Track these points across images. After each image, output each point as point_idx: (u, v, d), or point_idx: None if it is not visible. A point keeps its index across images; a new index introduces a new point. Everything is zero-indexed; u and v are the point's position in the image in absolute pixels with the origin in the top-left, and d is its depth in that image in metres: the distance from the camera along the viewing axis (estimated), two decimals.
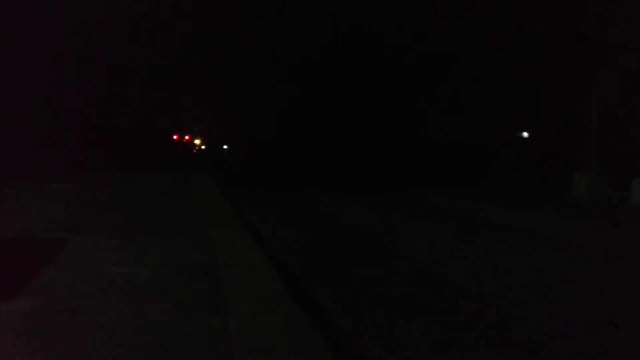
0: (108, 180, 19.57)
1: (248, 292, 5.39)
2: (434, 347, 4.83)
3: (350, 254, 9.05)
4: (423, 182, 23.63)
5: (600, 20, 19.18)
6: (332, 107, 37.70)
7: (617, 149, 19.82)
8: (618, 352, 4.86)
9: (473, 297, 6.45)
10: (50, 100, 24.95)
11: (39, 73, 24.31)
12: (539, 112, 29.06)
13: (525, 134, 32.58)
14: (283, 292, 5.45)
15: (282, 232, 11.03)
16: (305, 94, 38.65)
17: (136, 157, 34.06)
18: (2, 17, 21.42)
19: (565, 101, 25.13)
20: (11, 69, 22.10)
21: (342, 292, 6.49)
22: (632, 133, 20.49)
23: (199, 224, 9.81)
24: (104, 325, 4.33)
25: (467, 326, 5.38)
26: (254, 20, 34.95)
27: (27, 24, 22.74)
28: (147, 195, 14.73)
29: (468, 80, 30.64)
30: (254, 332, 4.28)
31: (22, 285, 5.29)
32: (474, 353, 4.73)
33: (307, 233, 11.11)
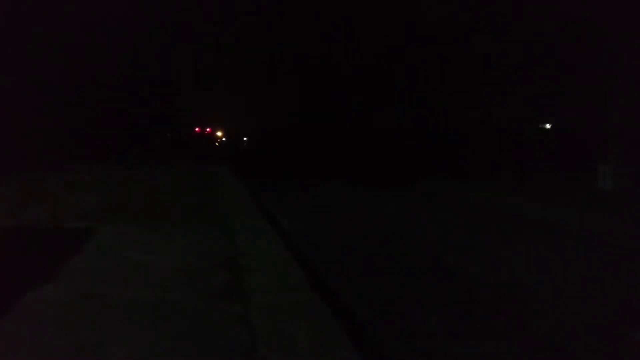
0: (131, 171, 19.87)
1: (268, 280, 5.52)
2: (452, 337, 4.90)
3: (368, 245, 9.12)
4: (443, 174, 23.57)
5: (625, 7, 18.85)
6: (347, 98, 37.73)
7: None
8: None
9: (492, 287, 6.49)
10: (75, 92, 25.38)
11: (62, 64, 24.70)
12: (562, 103, 28.73)
13: (548, 125, 32.25)
14: (303, 281, 5.56)
15: (301, 222, 11.14)
16: (319, 87, 38.75)
17: (159, 149, 34.50)
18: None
19: (588, 92, 24.82)
20: (38, 59, 22.49)
21: (360, 282, 6.58)
22: None
23: (220, 214, 9.97)
24: (130, 310, 4.49)
25: (486, 317, 5.44)
26: (271, 17, 35.11)
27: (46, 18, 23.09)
28: (170, 186, 14.96)
29: (491, 72, 30.40)
30: (275, 320, 4.40)
31: (51, 272, 5.48)
32: (492, 344, 4.79)
33: (326, 223, 11.21)
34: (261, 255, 6.66)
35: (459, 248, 9.01)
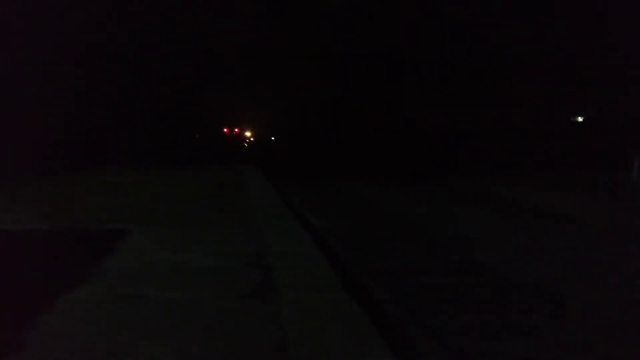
0: (160, 173, 20.14)
1: (299, 279, 5.53)
2: (485, 335, 4.84)
3: (398, 242, 9.08)
4: (477, 169, 23.32)
5: None
6: (371, 98, 37.70)
7: None
8: None
9: (525, 285, 6.40)
10: (102, 94, 25.81)
11: (100, 66, 25.13)
12: (594, 95, 28.17)
13: (580, 119, 31.66)
14: (333, 279, 5.56)
15: (330, 220, 11.15)
16: (345, 88, 38.77)
17: (188, 150, 34.87)
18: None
19: (620, 84, 24.27)
20: (70, 58, 22.91)
21: (390, 280, 6.55)
22: None
23: (250, 213, 10.03)
24: (163, 310, 4.55)
25: (519, 314, 5.36)
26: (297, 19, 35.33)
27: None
28: (199, 187, 15.11)
29: (520, 66, 29.98)
30: (306, 318, 4.40)
31: (86, 274, 5.57)
32: (526, 342, 4.72)
33: (355, 221, 11.19)
34: (291, 254, 6.67)
35: (490, 244, 8.90)
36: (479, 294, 6.04)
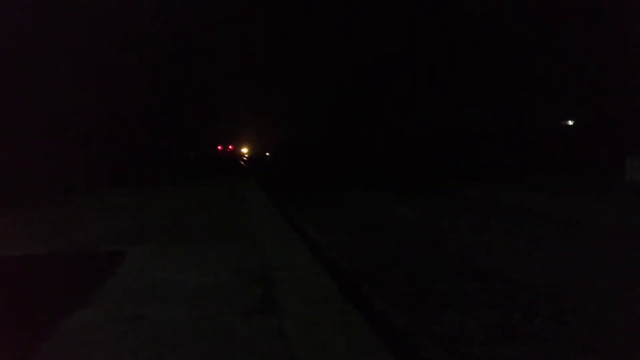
0: (159, 191, 20.11)
1: (301, 293, 5.52)
2: (490, 341, 4.84)
3: (397, 250, 9.06)
4: (474, 175, 23.38)
5: None
6: (364, 110, 37.92)
7: None
8: None
9: (527, 289, 6.40)
10: (96, 116, 25.82)
11: (90, 87, 25.16)
12: (586, 98, 28.37)
13: (571, 122, 31.86)
14: (335, 291, 5.55)
15: (328, 231, 11.13)
16: (344, 95, 38.94)
17: (183, 169, 34.88)
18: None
19: (612, 86, 24.47)
20: (61, 80, 22.94)
21: (393, 289, 6.54)
22: None
23: (249, 228, 10.02)
24: (166, 329, 4.53)
25: (523, 319, 5.36)
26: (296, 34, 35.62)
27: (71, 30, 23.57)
28: (197, 204, 15.09)
29: (513, 70, 30.20)
30: (310, 332, 4.40)
31: (87, 296, 5.56)
32: (531, 346, 4.72)
33: (353, 231, 11.17)
34: (292, 267, 6.67)
35: (490, 250, 8.90)
36: (480, 298, 6.05)
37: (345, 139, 40.47)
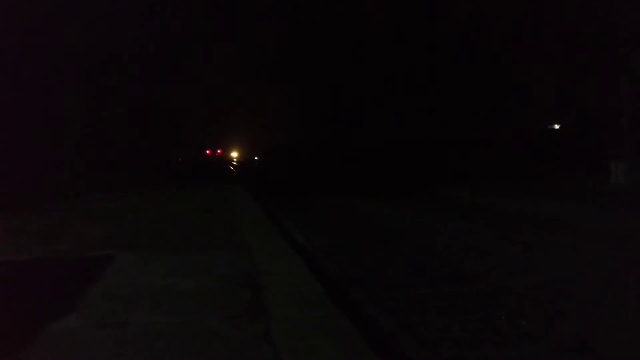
0: (146, 196, 19.99)
1: (289, 297, 5.51)
2: (477, 344, 4.85)
3: (385, 255, 9.06)
4: (455, 179, 23.47)
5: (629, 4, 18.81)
6: (353, 115, 38.02)
7: None
8: None
9: (512, 292, 6.43)
10: (85, 119, 25.67)
11: (74, 92, 25.00)
12: (571, 102, 28.61)
13: (557, 126, 32.12)
14: (323, 295, 5.55)
15: (315, 236, 11.11)
16: (324, 104, 39.05)
17: (172, 174, 34.73)
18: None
19: (596, 89, 24.70)
20: (41, 88, 22.79)
21: (381, 293, 6.54)
22: None
23: (237, 233, 9.99)
24: (154, 335, 4.50)
25: (509, 321, 5.38)
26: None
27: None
28: (184, 209, 15.02)
29: (497, 76, 30.40)
30: (298, 336, 4.38)
31: (72, 302, 5.51)
32: (517, 349, 4.74)
33: (340, 235, 11.16)
34: (280, 272, 6.66)
35: (476, 252, 8.94)
36: (466, 302, 6.07)
37: (335, 144, 40.51)
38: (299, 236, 11.17)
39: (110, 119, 27.73)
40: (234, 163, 62.77)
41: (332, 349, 4.08)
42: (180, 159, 51.13)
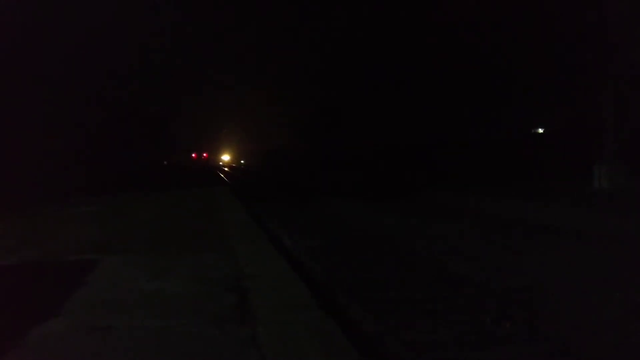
0: (130, 199, 19.87)
1: (275, 301, 5.50)
2: (462, 347, 4.88)
3: (371, 258, 9.08)
4: (441, 182, 23.60)
5: (612, 10, 19.03)
6: (344, 117, 38.07)
7: (637, 138, 19.58)
8: None
9: (498, 294, 6.47)
10: (68, 123, 25.45)
11: (59, 94, 24.78)
12: (554, 106, 28.89)
13: (541, 130, 32.40)
14: (309, 299, 5.55)
15: (302, 239, 11.12)
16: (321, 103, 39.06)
17: (157, 177, 34.52)
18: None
19: (580, 93, 24.97)
20: (29, 88, 22.57)
21: (367, 296, 6.55)
22: None
23: (222, 237, 9.95)
24: (137, 340, 4.47)
25: (494, 324, 5.42)
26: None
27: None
28: (169, 212, 14.96)
29: (482, 79, 30.62)
30: (284, 339, 4.38)
31: (55, 307, 5.45)
32: (503, 350, 4.77)
33: (326, 239, 11.17)
34: (266, 275, 6.64)
35: (463, 256, 8.99)
36: (452, 305, 6.10)
37: (322, 148, 40.54)
38: (284, 239, 11.16)
39: (95, 122, 27.53)
40: (225, 169, 62.35)
41: (319, 352, 4.08)
42: (165, 162, 50.86)
